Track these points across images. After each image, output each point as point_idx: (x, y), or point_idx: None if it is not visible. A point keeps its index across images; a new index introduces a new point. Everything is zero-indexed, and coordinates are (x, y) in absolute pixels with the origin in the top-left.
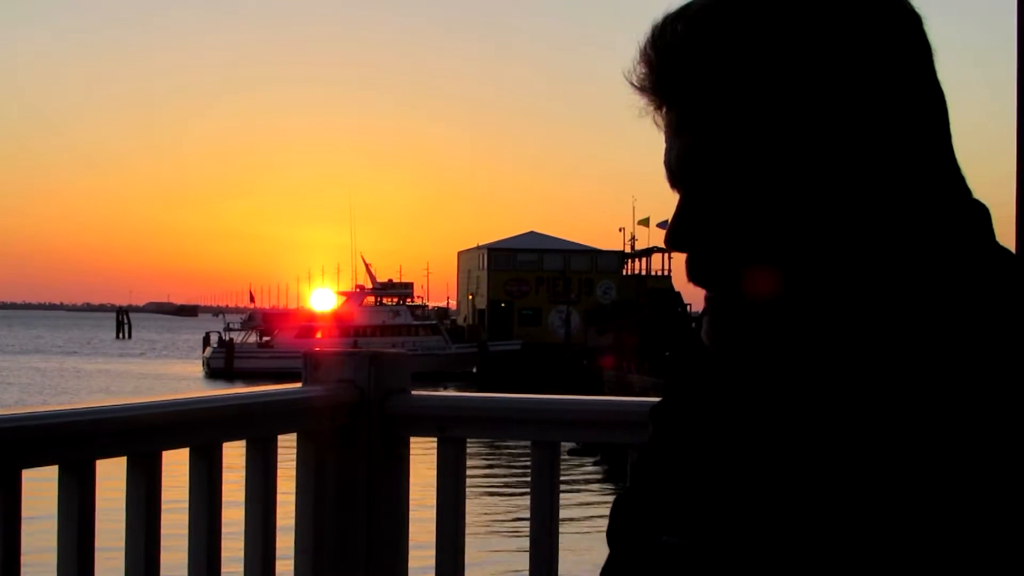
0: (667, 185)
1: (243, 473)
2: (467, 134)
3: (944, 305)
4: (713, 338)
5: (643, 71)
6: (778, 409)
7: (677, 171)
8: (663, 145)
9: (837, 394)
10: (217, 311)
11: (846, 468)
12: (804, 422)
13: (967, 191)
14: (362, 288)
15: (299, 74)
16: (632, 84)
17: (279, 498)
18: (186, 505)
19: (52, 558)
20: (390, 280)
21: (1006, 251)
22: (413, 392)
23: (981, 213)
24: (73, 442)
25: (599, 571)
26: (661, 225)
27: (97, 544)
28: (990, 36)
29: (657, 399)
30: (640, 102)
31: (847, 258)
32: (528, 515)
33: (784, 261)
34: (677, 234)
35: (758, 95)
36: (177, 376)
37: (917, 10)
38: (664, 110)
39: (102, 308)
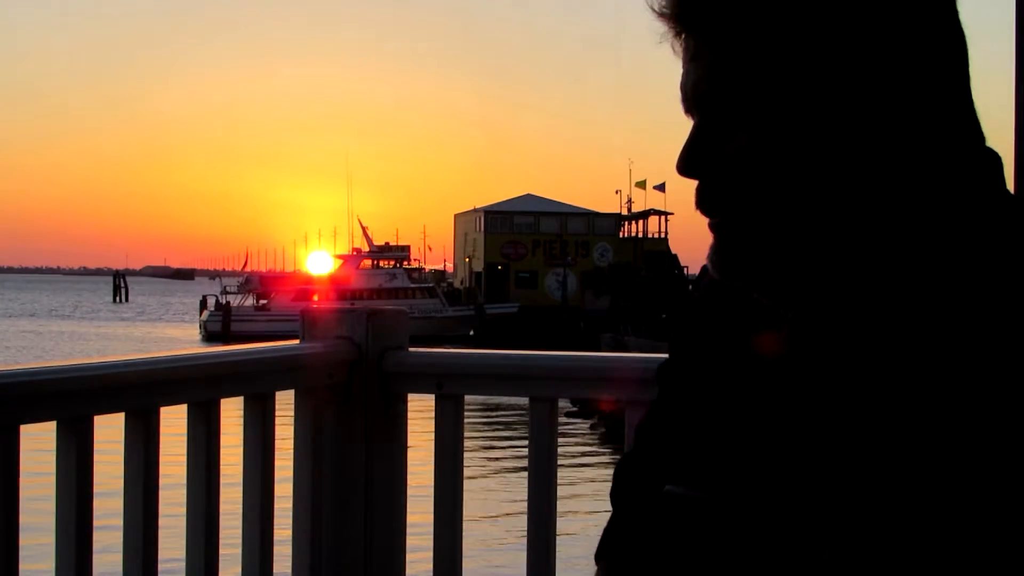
0: (664, 146)
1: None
2: (464, 97)
3: (949, 247)
4: (718, 264)
5: None
6: (787, 359)
7: (692, 96)
8: (679, 76)
9: (844, 337)
10: (214, 274)
11: (858, 412)
12: (813, 370)
13: (981, 137)
14: (359, 251)
15: (297, 37)
16: (653, 9)
17: (277, 456)
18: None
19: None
20: (387, 243)
21: (1013, 197)
22: (411, 349)
23: (992, 160)
24: (71, 398)
25: (598, 527)
26: (658, 187)
27: (96, 500)
28: (988, 34)
29: (663, 356)
30: (661, 28)
31: (855, 193)
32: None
33: (793, 190)
34: (689, 159)
35: (777, 24)
36: (174, 339)
37: None
38: (683, 36)
39: (99, 272)
